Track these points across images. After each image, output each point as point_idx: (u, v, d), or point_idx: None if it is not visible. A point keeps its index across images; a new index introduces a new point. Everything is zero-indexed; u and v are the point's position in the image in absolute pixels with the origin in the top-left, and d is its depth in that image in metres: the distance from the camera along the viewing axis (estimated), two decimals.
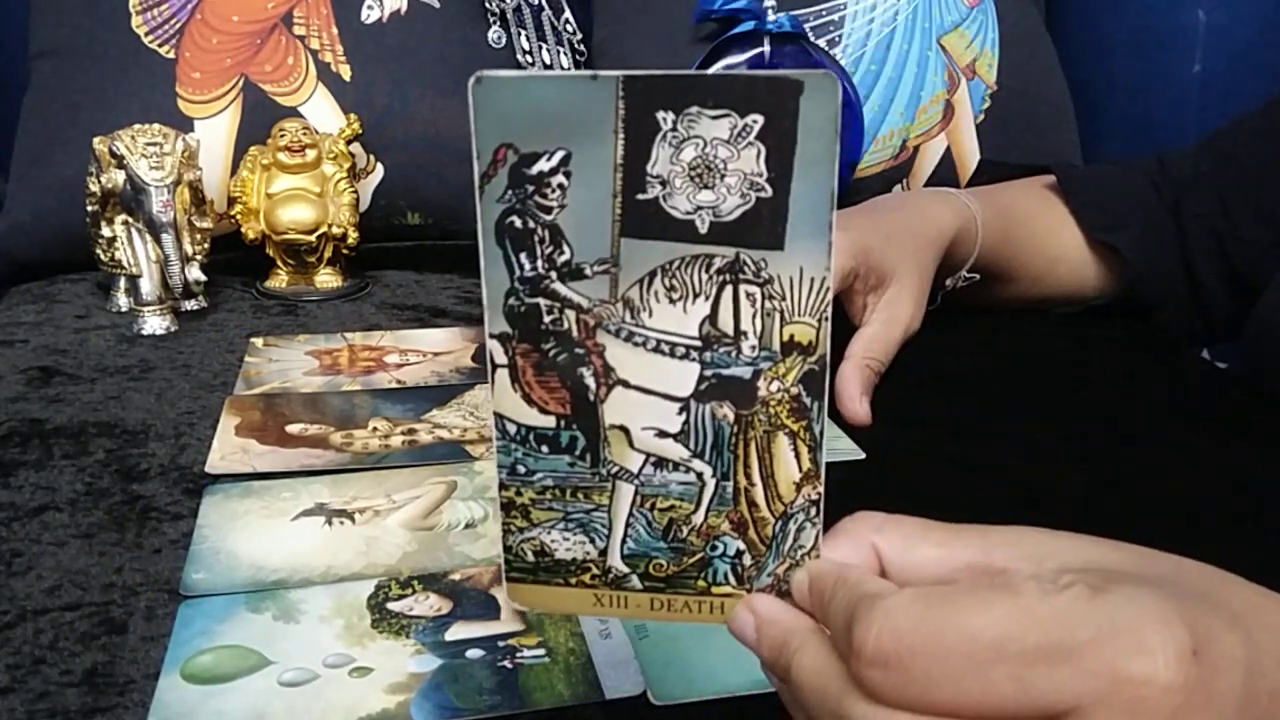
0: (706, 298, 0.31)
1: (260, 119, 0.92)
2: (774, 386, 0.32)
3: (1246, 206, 0.73)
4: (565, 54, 1.08)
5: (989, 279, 0.76)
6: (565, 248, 0.31)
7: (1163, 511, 0.54)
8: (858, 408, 0.61)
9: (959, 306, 0.76)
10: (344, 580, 0.47)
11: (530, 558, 0.35)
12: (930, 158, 1.06)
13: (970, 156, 1.06)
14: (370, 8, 0.99)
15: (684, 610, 0.35)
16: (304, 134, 0.85)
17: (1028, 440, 0.61)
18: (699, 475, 0.33)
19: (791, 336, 0.31)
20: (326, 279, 0.86)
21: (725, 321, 0.31)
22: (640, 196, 0.30)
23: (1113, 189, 0.80)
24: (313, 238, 0.84)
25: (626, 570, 0.34)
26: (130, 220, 0.78)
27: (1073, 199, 0.78)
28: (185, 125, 0.92)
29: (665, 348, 0.32)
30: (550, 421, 0.33)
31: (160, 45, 0.94)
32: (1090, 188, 0.79)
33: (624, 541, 0.34)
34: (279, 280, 0.86)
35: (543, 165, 0.30)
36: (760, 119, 0.29)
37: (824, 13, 1.05)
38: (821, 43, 1.04)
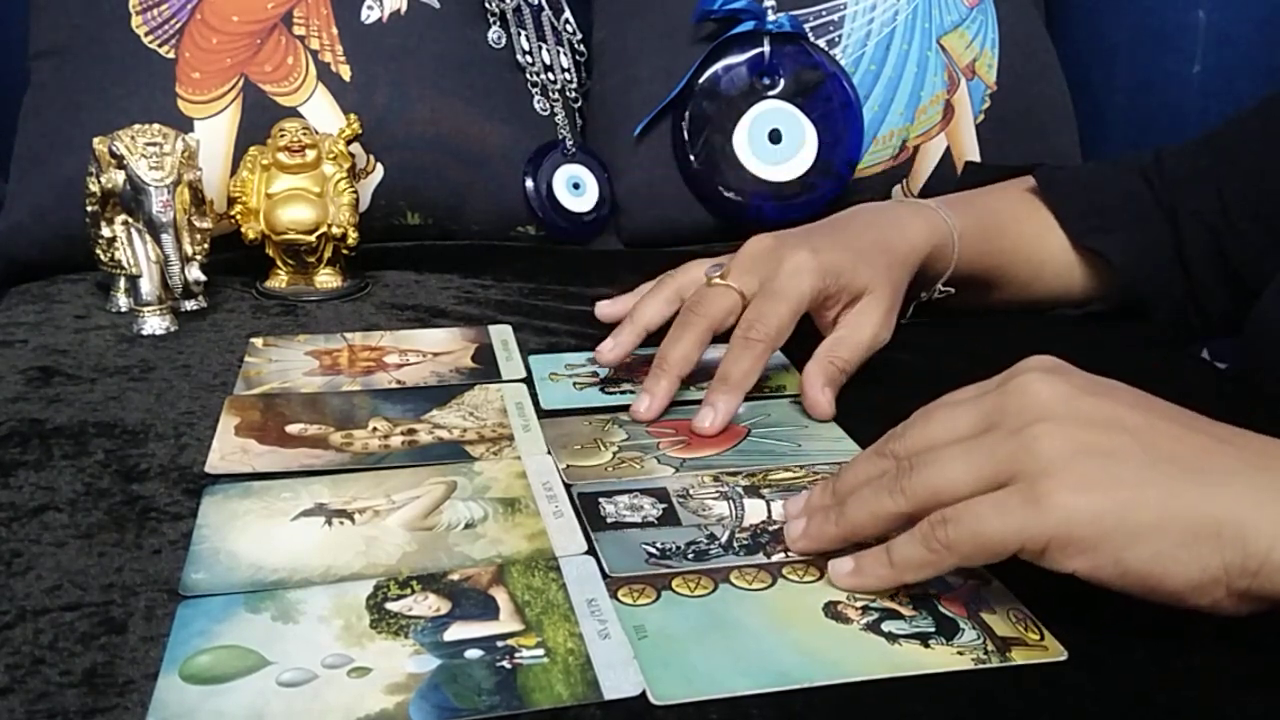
0: None
1: (260, 119, 0.92)
2: None
3: (1244, 205, 0.73)
4: (565, 54, 1.08)
5: (974, 287, 0.76)
6: None
7: None
8: (819, 396, 0.63)
9: (956, 309, 0.76)
10: (343, 580, 0.47)
11: None
12: (930, 158, 1.06)
13: (970, 157, 1.06)
14: (370, 8, 0.99)
15: None
16: (304, 134, 0.85)
17: None
18: None
19: None
20: (326, 279, 0.86)
21: None
22: None
23: (1098, 190, 0.79)
24: (313, 238, 0.84)
25: None
26: (130, 220, 0.78)
27: (1055, 204, 0.78)
28: (185, 125, 0.92)
29: None
30: None
31: (160, 45, 0.94)
32: (1074, 191, 0.79)
33: None
34: (279, 280, 0.86)
35: None
36: None
37: (824, 13, 1.05)
38: (821, 43, 1.04)
